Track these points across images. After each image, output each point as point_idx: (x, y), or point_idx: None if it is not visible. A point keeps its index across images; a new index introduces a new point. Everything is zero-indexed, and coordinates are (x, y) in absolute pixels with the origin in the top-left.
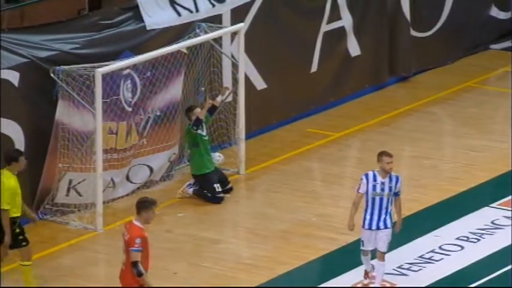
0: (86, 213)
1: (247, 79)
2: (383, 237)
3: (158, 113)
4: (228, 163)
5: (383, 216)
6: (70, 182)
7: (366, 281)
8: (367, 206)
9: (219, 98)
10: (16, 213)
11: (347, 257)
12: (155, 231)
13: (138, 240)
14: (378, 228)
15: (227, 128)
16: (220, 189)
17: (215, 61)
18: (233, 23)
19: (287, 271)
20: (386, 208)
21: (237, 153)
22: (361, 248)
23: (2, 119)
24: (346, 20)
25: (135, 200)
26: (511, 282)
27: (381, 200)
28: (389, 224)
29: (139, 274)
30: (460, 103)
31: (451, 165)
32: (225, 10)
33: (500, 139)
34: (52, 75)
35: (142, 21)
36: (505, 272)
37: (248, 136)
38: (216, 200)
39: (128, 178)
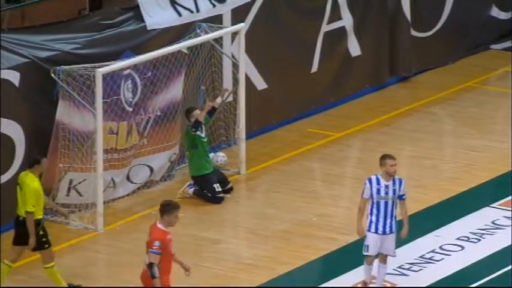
0: (87, 213)
1: (247, 79)
2: (389, 243)
3: (159, 113)
4: (229, 163)
5: (388, 221)
6: (70, 182)
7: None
8: (372, 210)
9: (218, 100)
10: (40, 215)
11: (347, 257)
12: None
13: (157, 243)
14: (384, 233)
15: (227, 128)
16: (220, 189)
17: (216, 61)
18: (234, 23)
19: (287, 271)
20: (392, 212)
21: (237, 153)
22: (365, 253)
23: (2, 119)
24: (347, 20)
25: (136, 200)
26: None
27: (386, 204)
28: (394, 229)
29: (153, 276)
30: (461, 103)
31: (452, 165)
32: (225, 10)
33: (500, 139)
34: (53, 75)
35: (143, 21)
36: (505, 272)
37: (248, 136)
38: (216, 200)
39: (128, 178)
